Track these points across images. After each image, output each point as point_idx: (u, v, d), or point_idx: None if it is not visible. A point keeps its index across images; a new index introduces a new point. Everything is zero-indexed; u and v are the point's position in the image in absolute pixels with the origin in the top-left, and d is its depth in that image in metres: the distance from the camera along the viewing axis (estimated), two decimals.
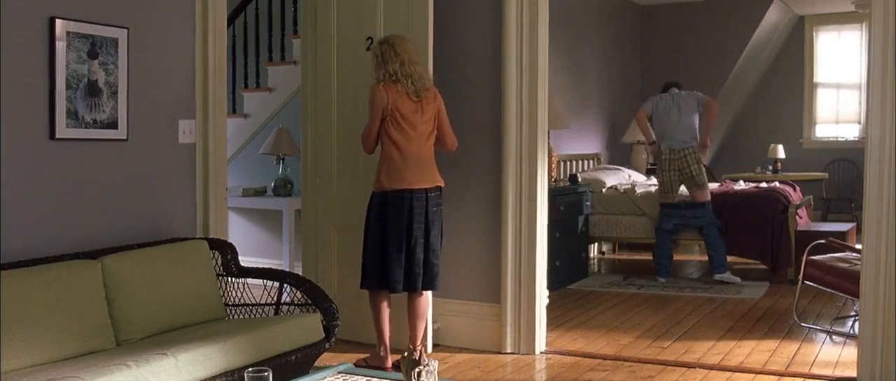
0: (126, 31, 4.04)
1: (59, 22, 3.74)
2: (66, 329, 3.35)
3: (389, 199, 4.34)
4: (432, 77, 4.73)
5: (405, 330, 4.56)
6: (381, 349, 4.52)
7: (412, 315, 4.47)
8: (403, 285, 4.39)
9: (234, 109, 7.57)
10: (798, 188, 8.01)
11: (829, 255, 5.55)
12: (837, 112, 11.36)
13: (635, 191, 7.75)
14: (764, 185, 7.93)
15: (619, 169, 8.64)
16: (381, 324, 4.48)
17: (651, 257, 7.39)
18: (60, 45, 3.76)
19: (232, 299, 4.17)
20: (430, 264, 4.41)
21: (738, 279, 6.95)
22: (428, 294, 4.52)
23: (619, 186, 7.98)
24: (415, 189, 4.34)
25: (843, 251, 5.70)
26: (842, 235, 7.01)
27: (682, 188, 7.17)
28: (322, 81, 5.17)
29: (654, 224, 7.35)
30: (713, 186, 8.07)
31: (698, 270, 7.93)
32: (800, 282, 5.51)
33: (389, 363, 4.48)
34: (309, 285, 4.09)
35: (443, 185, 4.52)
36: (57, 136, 3.77)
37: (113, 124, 4.02)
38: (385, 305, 4.47)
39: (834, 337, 5.24)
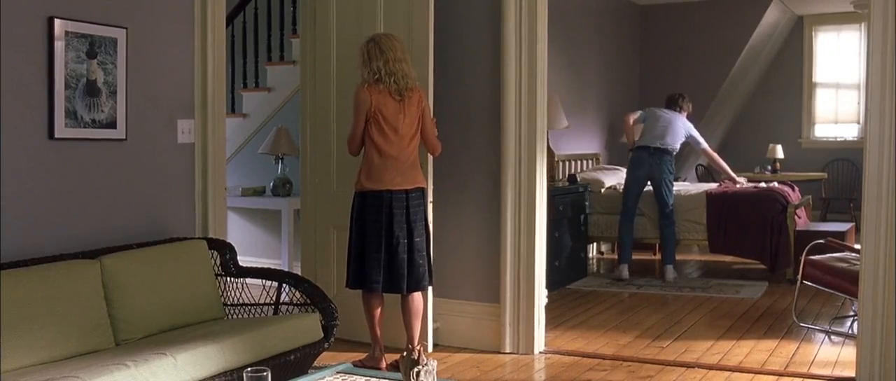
0: (125, 30, 4.03)
1: (57, 22, 3.74)
2: (65, 329, 3.35)
3: (368, 199, 4.35)
4: (431, 78, 4.74)
5: (403, 330, 4.56)
6: (376, 349, 4.52)
7: (406, 315, 4.47)
8: (384, 285, 4.37)
9: (234, 108, 7.56)
10: (797, 188, 8.01)
11: (827, 255, 5.55)
12: (836, 112, 11.37)
13: None
14: (762, 185, 7.94)
15: (618, 169, 8.64)
16: (373, 325, 4.48)
17: (650, 257, 7.41)
18: (59, 45, 3.75)
19: (231, 299, 4.17)
20: (414, 264, 4.38)
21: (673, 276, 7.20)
22: (419, 294, 4.50)
23: (618, 186, 7.98)
24: (394, 190, 4.32)
25: (842, 251, 5.71)
26: (841, 235, 7.01)
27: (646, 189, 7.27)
28: (321, 81, 5.17)
29: (656, 223, 7.36)
30: (712, 186, 8.08)
31: (698, 270, 7.93)
32: (799, 282, 5.51)
33: (384, 364, 4.48)
34: (308, 284, 4.09)
35: (425, 186, 4.51)
36: (56, 136, 3.77)
37: (112, 124, 4.01)
38: (376, 306, 4.46)
39: (832, 337, 5.24)
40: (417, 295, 4.47)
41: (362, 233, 4.37)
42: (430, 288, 4.69)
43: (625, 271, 7.18)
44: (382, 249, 4.34)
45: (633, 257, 8.16)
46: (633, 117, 7.30)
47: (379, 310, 4.47)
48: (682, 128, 7.20)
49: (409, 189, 4.36)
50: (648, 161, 7.08)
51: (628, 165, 7.30)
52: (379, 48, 4.30)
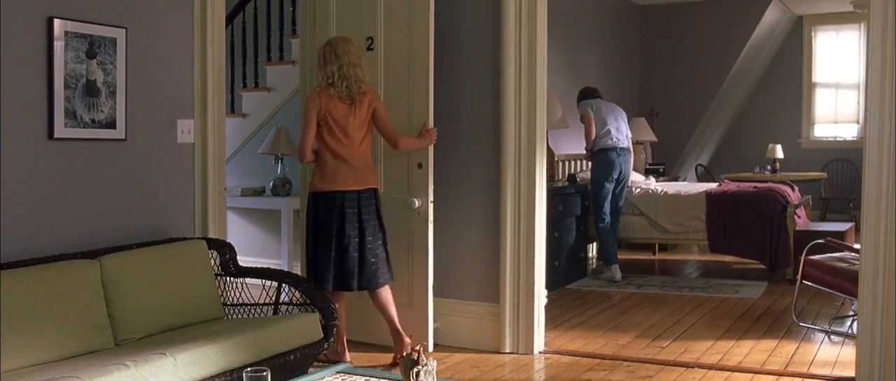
0: (124, 30, 4.03)
1: (57, 22, 3.74)
2: (65, 329, 3.35)
3: (321, 200, 4.46)
4: (431, 78, 4.74)
5: (403, 329, 4.58)
6: (338, 344, 4.60)
7: (380, 311, 4.59)
8: (335, 283, 4.46)
9: (233, 108, 7.56)
10: (797, 188, 8.02)
11: (827, 255, 5.55)
12: (836, 112, 11.37)
13: (633, 191, 7.76)
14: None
15: None
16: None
17: (650, 257, 7.40)
18: (59, 45, 3.75)
19: (230, 299, 4.17)
20: (365, 263, 4.47)
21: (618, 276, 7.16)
22: (385, 289, 4.57)
23: None
24: (346, 191, 4.42)
25: (842, 251, 5.71)
26: (840, 234, 7.01)
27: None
28: None
29: (648, 223, 7.35)
30: (712, 186, 8.09)
31: (698, 270, 7.94)
32: (798, 282, 5.51)
33: (348, 358, 4.60)
34: (307, 284, 4.10)
35: (378, 186, 4.60)
36: (55, 136, 3.77)
37: (111, 124, 4.01)
38: (336, 302, 4.51)
39: (832, 337, 5.24)
40: (382, 290, 4.56)
41: (315, 232, 4.48)
42: (387, 284, 4.66)
43: (618, 271, 7.15)
44: (333, 248, 4.44)
45: (633, 257, 8.18)
46: (591, 118, 7.11)
47: (342, 304, 4.55)
48: (624, 119, 7.23)
49: (360, 190, 4.47)
50: (618, 161, 7.05)
51: (599, 167, 7.09)
52: (334, 53, 4.41)
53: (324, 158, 4.46)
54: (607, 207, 7.13)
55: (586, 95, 7.33)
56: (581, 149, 8.80)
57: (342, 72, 4.37)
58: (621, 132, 7.10)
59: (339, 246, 4.43)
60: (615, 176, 7.08)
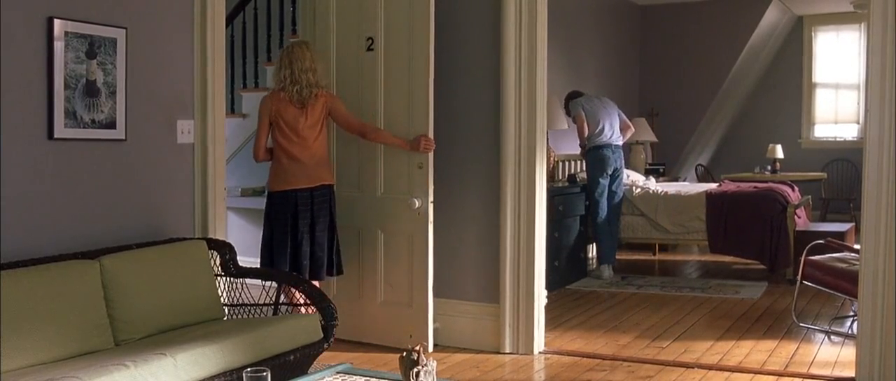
0: (124, 31, 4.03)
1: (57, 22, 3.74)
2: (65, 329, 3.34)
3: (276, 199, 4.66)
4: (431, 78, 4.74)
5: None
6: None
7: None
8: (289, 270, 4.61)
9: (233, 108, 7.56)
10: (797, 188, 8.02)
11: (827, 255, 5.55)
12: (836, 112, 11.37)
13: (633, 191, 7.77)
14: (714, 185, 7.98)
15: None
16: None
17: (649, 257, 7.41)
18: (59, 45, 3.75)
19: (230, 300, 4.17)
20: (315, 256, 4.67)
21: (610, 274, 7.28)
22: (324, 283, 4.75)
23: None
24: (299, 189, 4.59)
25: (842, 251, 5.71)
26: (840, 235, 7.01)
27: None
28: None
29: (648, 223, 7.34)
30: (712, 186, 8.09)
31: (698, 270, 7.93)
32: (798, 282, 5.51)
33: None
34: (307, 285, 4.10)
35: (332, 183, 4.73)
36: (55, 136, 3.76)
37: (111, 124, 4.01)
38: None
39: (832, 337, 5.24)
40: (321, 284, 4.69)
41: (271, 229, 4.64)
42: (330, 278, 4.85)
43: (606, 271, 7.26)
44: (288, 241, 4.61)
45: (633, 257, 8.17)
46: (583, 116, 7.19)
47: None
48: (616, 112, 7.36)
49: (313, 187, 4.61)
50: (612, 158, 7.18)
51: (593, 164, 7.20)
52: (289, 58, 4.59)
53: (279, 158, 4.64)
54: (604, 203, 7.22)
55: (574, 96, 7.47)
56: (579, 149, 8.85)
57: (294, 77, 4.54)
58: (614, 129, 7.23)
59: (293, 239, 4.61)
60: (610, 172, 7.19)
